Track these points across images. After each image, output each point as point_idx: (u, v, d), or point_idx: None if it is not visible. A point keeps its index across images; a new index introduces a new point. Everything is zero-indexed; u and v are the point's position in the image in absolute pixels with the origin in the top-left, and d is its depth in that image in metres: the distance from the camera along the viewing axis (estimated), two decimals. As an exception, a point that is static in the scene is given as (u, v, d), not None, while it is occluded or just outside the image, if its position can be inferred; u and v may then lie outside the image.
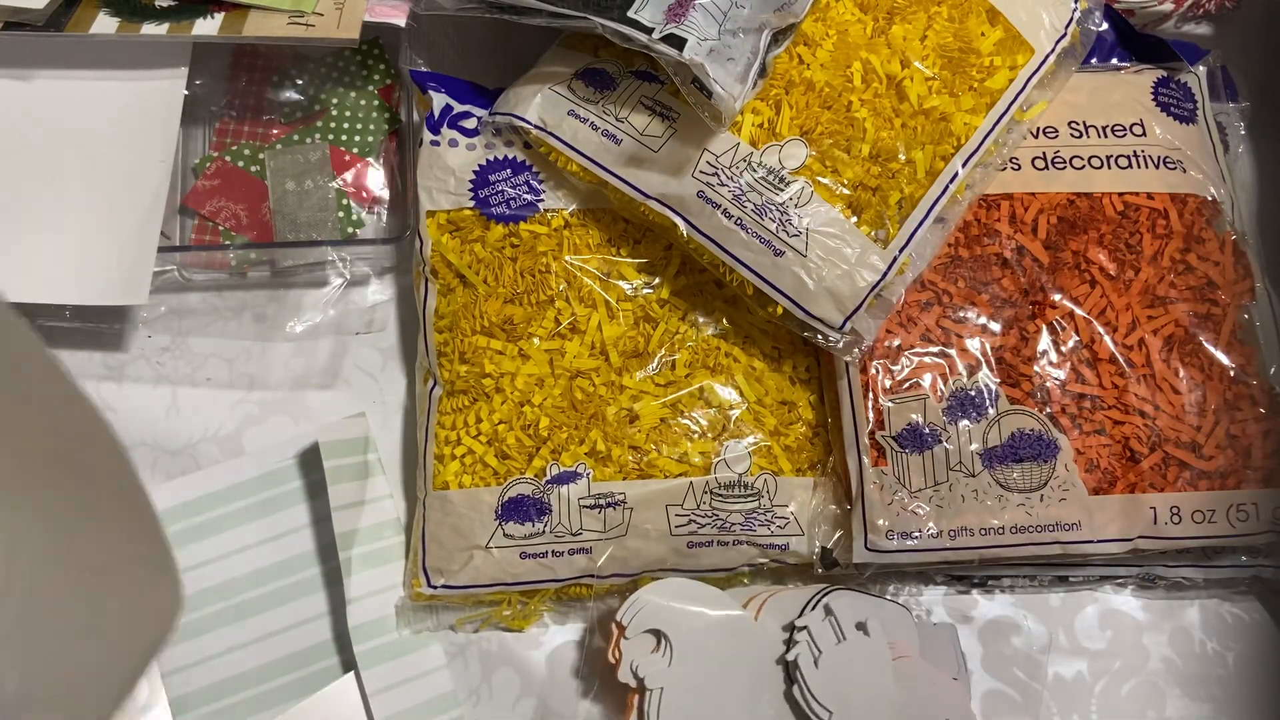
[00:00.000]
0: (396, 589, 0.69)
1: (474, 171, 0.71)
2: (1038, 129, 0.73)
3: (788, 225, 0.64)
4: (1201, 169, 0.73)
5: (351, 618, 0.67)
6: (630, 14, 0.64)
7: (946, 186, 0.66)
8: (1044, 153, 0.72)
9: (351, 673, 0.67)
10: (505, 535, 0.65)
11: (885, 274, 0.65)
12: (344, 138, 0.75)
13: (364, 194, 0.75)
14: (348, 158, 0.75)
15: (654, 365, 0.68)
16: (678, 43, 0.62)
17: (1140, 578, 0.71)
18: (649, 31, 0.63)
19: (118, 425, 0.72)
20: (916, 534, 0.66)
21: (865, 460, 0.67)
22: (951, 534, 0.66)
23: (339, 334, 0.75)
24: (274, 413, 0.74)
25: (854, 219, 0.65)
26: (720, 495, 0.66)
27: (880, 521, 0.66)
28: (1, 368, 0.40)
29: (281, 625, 0.69)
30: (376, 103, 0.76)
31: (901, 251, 0.65)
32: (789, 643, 0.64)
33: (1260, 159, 0.82)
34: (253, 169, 0.74)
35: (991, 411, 0.67)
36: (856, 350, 0.66)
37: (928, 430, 0.67)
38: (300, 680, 0.68)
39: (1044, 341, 0.68)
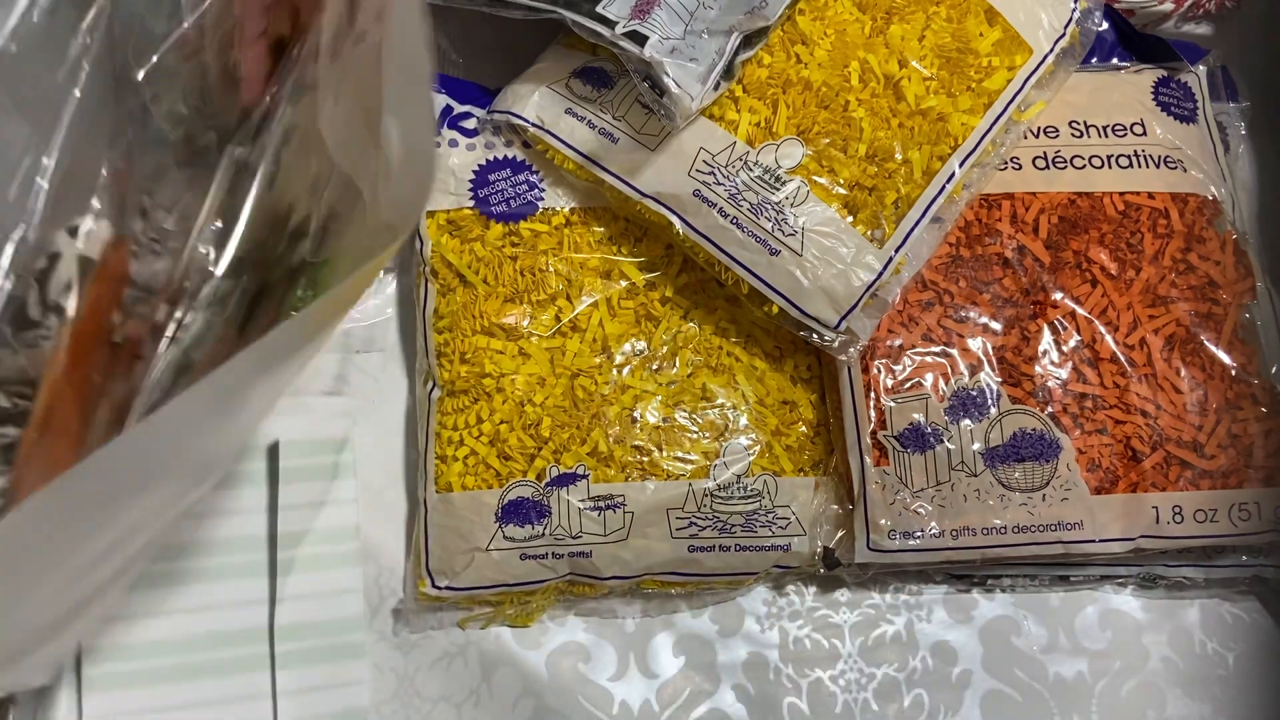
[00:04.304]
0: (336, 595, 0.68)
1: (474, 171, 0.71)
2: (1038, 129, 0.73)
3: (783, 224, 0.64)
4: (1202, 168, 0.73)
5: (278, 616, 0.67)
6: (599, 9, 0.64)
7: (943, 186, 0.66)
8: (1045, 152, 0.72)
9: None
10: (505, 538, 0.65)
11: (881, 273, 0.65)
12: (344, 139, 0.75)
13: (364, 195, 0.75)
14: (348, 158, 0.75)
15: (655, 364, 0.68)
16: (639, 39, 0.62)
17: (1141, 577, 0.71)
18: (613, 26, 0.63)
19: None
20: (918, 534, 0.66)
21: (867, 460, 0.67)
22: (953, 534, 0.66)
23: (343, 352, 0.74)
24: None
25: (850, 218, 0.65)
26: (721, 497, 0.66)
27: (882, 521, 0.66)
28: None
29: (215, 601, 0.67)
30: (377, 104, 0.76)
31: (897, 251, 0.65)
32: None
33: (1261, 159, 0.82)
34: (253, 170, 0.74)
35: (993, 411, 0.67)
36: (852, 350, 0.66)
37: (930, 430, 0.67)
38: (219, 661, 0.66)
39: (1045, 341, 0.68)
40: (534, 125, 0.69)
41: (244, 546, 0.68)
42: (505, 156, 0.72)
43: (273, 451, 0.69)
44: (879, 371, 0.67)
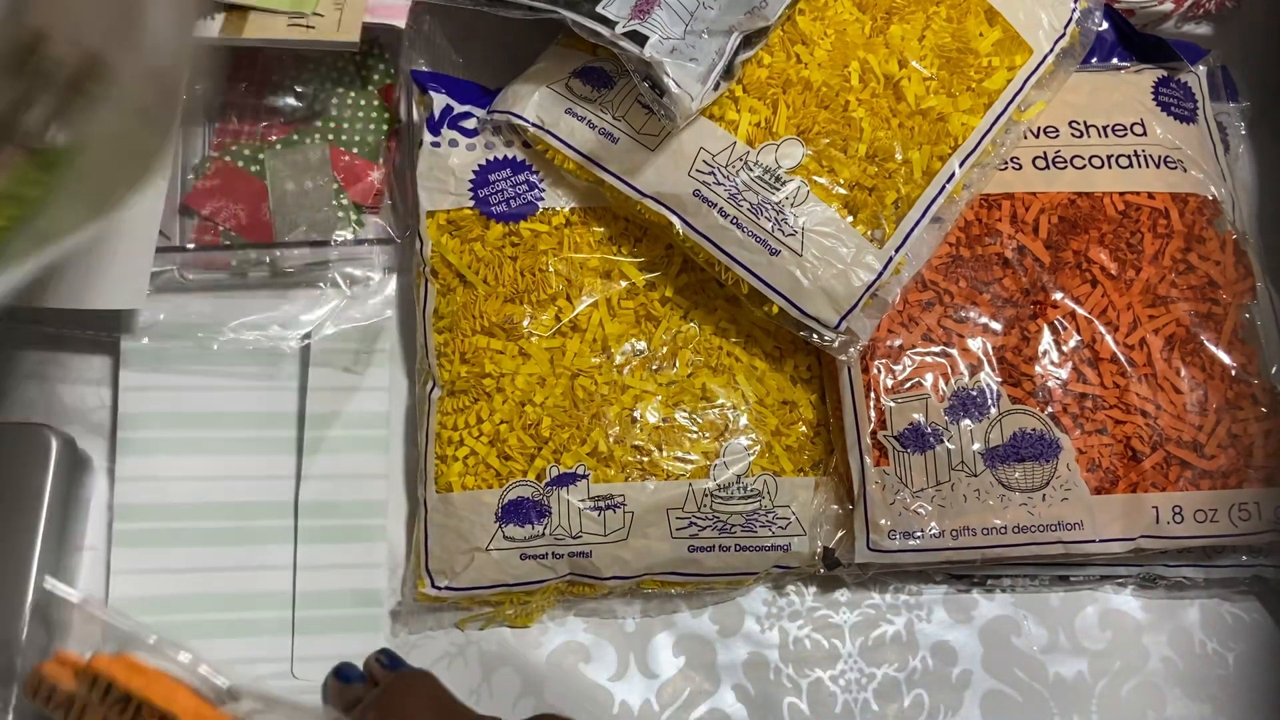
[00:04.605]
0: (360, 479, 0.71)
1: (474, 171, 0.71)
2: (1038, 128, 0.73)
3: (783, 224, 0.64)
4: (1202, 168, 0.73)
5: (303, 492, 0.69)
6: (599, 9, 0.64)
7: (943, 186, 0.66)
8: (1045, 152, 0.72)
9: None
10: (505, 537, 0.65)
11: (881, 273, 0.65)
12: (344, 138, 0.75)
13: (364, 194, 0.75)
14: (347, 158, 0.75)
15: (655, 364, 0.68)
16: (640, 39, 0.62)
17: (1141, 577, 0.71)
18: (613, 26, 0.63)
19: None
20: (919, 534, 0.66)
21: (867, 460, 0.67)
22: (953, 534, 0.66)
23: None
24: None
25: (850, 218, 0.65)
26: (721, 497, 0.66)
27: (882, 521, 0.66)
28: None
29: (246, 471, 0.70)
30: (376, 103, 0.76)
31: (898, 251, 0.65)
32: None
33: (1260, 159, 0.82)
34: (253, 169, 0.74)
35: (993, 411, 0.67)
36: (852, 350, 0.66)
37: (930, 430, 0.67)
38: (243, 529, 0.69)
39: (1045, 341, 0.68)
40: (534, 125, 0.69)
41: (277, 422, 0.71)
42: (505, 156, 0.71)
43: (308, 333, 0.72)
44: (879, 371, 0.67)
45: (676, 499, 0.66)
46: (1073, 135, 0.73)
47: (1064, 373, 0.68)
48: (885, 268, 0.65)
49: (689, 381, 0.68)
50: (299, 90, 0.76)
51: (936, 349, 0.68)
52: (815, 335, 0.65)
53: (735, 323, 0.70)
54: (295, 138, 0.75)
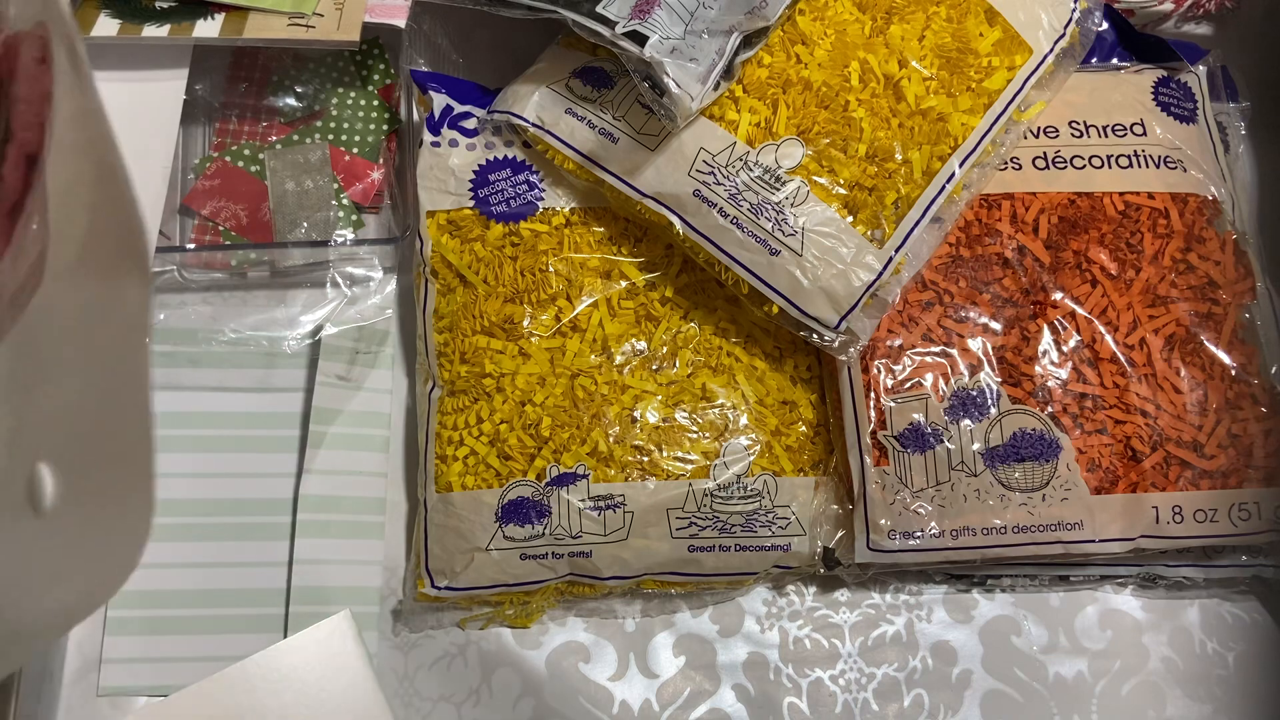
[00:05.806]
0: (360, 476, 0.71)
1: (474, 171, 0.71)
2: (1038, 129, 0.73)
3: (783, 224, 0.64)
4: (1202, 168, 0.73)
5: (304, 486, 0.69)
6: (599, 9, 0.64)
7: (943, 187, 0.66)
8: (1045, 152, 0.72)
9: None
10: (505, 537, 0.65)
11: (881, 273, 0.65)
12: (344, 138, 0.75)
13: (364, 194, 0.75)
14: (348, 158, 0.75)
15: (655, 364, 0.68)
16: (640, 39, 0.63)
17: (1141, 577, 0.71)
18: (613, 26, 0.63)
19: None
20: (918, 534, 0.66)
21: (867, 460, 0.67)
22: (953, 534, 0.66)
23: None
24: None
25: (850, 218, 0.65)
26: (721, 497, 0.66)
27: (882, 521, 0.66)
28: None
29: (247, 469, 0.71)
30: (376, 103, 0.76)
31: (897, 251, 0.65)
32: None
33: (1260, 159, 0.82)
34: (253, 169, 0.74)
35: (993, 411, 0.67)
36: (852, 350, 0.66)
37: (929, 430, 0.66)
38: (242, 526, 0.70)
39: (1045, 341, 0.68)
40: (534, 125, 0.69)
41: (279, 421, 0.72)
42: (505, 156, 0.72)
43: (314, 346, 0.73)
44: (879, 371, 0.67)
45: (676, 499, 0.66)
46: (1073, 135, 0.73)
47: (1064, 373, 0.68)
48: (885, 268, 0.65)
49: (689, 381, 0.68)
50: (299, 90, 0.77)
51: (936, 349, 0.68)
52: (815, 335, 0.65)
53: (735, 323, 0.70)
54: (295, 137, 0.75)
